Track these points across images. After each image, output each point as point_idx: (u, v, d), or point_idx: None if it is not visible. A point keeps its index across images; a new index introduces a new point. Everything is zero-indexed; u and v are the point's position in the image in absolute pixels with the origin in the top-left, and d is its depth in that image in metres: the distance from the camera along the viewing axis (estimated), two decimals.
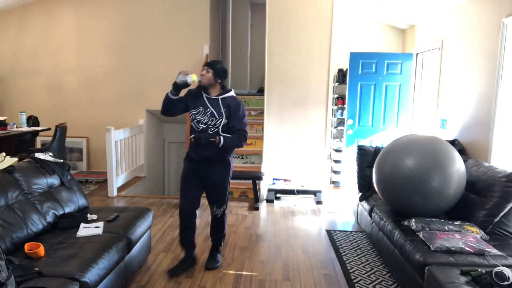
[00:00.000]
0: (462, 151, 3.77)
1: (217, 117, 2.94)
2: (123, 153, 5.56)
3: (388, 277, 3.11)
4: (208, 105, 2.97)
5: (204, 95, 3.01)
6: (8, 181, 2.73)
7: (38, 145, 6.33)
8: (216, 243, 3.34)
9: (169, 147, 7.29)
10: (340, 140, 5.79)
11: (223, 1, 7.47)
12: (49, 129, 5.63)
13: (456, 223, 2.90)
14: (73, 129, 6.24)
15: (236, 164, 5.80)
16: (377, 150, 4.14)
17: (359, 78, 5.26)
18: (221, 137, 2.91)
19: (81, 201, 3.21)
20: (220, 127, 2.95)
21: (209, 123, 2.95)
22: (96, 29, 6.32)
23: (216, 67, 2.95)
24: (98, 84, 6.41)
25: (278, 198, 5.40)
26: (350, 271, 3.22)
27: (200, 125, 2.96)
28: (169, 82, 3.04)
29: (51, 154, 3.29)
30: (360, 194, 4.13)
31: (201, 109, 2.97)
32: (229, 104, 2.97)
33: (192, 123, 3.01)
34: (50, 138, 5.13)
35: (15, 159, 2.99)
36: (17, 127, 5.49)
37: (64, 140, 5.25)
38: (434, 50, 4.72)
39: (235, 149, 3.18)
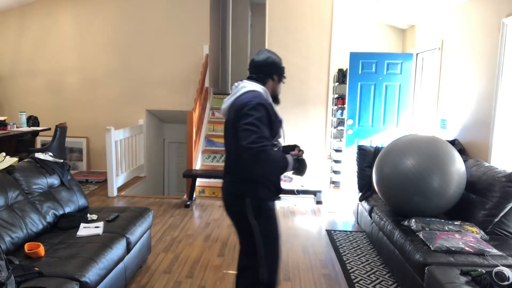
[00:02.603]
0: (462, 151, 3.77)
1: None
2: (123, 153, 5.56)
3: (388, 277, 3.11)
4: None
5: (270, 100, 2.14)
6: (8, 181, 2.74)
7: (38, 145, 6.33)
8: None
9: (169, 147, 7.30)
10: (340, 140, 5.79)
11: (223, 1, 7.47)
12: (49, 129, 5.64)
13: (456, 223, 2.90)
14: (73, 129, 6.25)
15: None
16: (377, 150, 4.14)
17: (359, 78, 5.26)
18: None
19: (81, 201, 3.22)
20: None
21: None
22: (96, 29, 6.33)
23: None
24: (98, 84, 6.42)
25: (278, 198, 5.39)
26: (350, 271, 3.22)
27: (284, 140, 2.22)
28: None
29: (51, 154, 3.29)
30: (360, 194, 4.13)
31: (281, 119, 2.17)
32: None
33: (280, 143, 2.17)
34: (50, 138, 5.14)
35: (15, 159, 2.99)
36: (17, 127, 5.49)
37: (64, 140, 5.26)
38: (434, 50, 4.72)
39: None
